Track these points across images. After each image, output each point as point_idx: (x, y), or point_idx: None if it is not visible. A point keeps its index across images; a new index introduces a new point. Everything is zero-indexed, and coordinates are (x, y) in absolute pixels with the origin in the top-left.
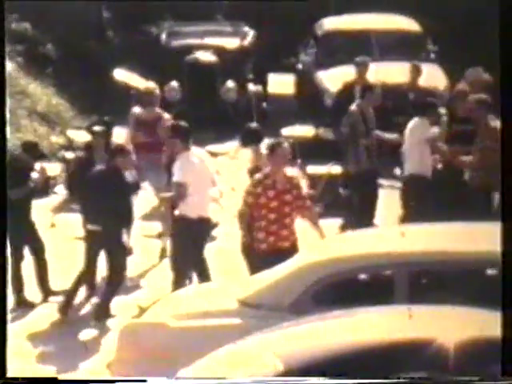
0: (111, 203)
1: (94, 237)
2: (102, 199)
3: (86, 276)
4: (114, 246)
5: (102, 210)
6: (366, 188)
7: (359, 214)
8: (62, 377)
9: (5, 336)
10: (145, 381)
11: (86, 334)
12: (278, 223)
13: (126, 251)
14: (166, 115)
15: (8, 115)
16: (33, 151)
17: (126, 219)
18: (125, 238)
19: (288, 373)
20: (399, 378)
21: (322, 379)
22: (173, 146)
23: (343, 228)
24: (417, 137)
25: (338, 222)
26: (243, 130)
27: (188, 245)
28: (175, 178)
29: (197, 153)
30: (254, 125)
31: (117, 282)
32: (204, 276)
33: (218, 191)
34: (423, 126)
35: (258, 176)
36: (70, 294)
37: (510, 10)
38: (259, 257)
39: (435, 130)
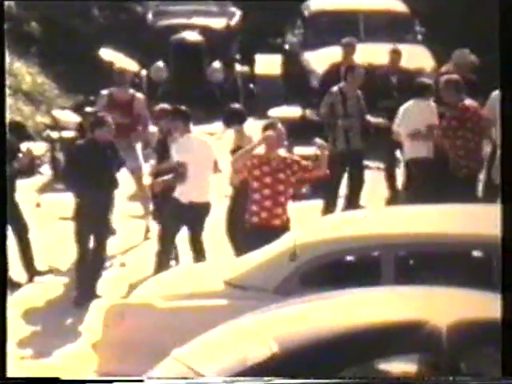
0: (94, 177)
1: (83, 218)
2: (85, 173)
3: (83, 257)
4: (100, 222)
5: (87, 184)
6: (344, 169)
7: (338, 195)
8: (44, 360)
9: (5, 336)
10: (142, 380)
11: (72, 315)
12: (271, 200)
13: (110, 230)
14: (140, 95)
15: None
16: (18, 131)
17: (110, 193)
18: (110, 217)
19: (283, 354)
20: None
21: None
22: (175, 129)
23: (327, 210)
24: (415, 120)
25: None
26: (226, 110)
27: (176, 228)
28: (175, 158)
29: (198, 136)
30: (236, 105)
31: (101, 260)
32: (200, 257)
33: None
34: (422, 109)
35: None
36: (80, 284)
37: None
38: (250, 232)
39: (433, 114)
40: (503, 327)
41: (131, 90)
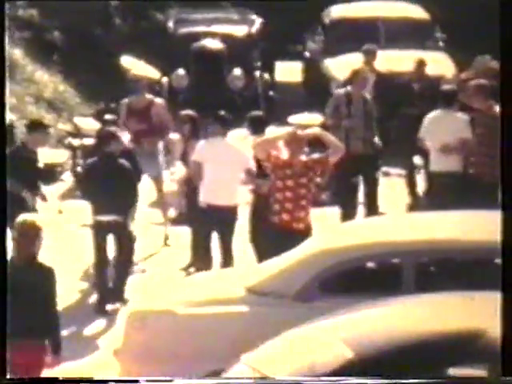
0: (113, 189)
1: (102, 226)
2: (103, 187)
3: (101, 264)
4: (122, 232)
5: (106, 198)
6: (352, 172)
7: (356, 201)
8: (67, 367)
9: (4, 336)
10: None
11: (96, 322)
12: (293, 202)
13: (133, 236)
14: (159, 100)
15: (15, 102)
16: (39, 130)
17: (130, 204)
18: (131, 224)
19: (358, 360)
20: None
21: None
22: (213, 133)
23: (345, 216)
24: (444, 133)
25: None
26: (248, 117)
27: (206, 231)
28: (193, 157)
29: (231, 142)
30: (258, 112)
31: (127, 267)
32: (227, 263)
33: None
34: (451, 120)
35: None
36: (100, 292)
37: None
38: (273, 235)
39: (465, 126)
40: (503, 326)
41: (149, 96)
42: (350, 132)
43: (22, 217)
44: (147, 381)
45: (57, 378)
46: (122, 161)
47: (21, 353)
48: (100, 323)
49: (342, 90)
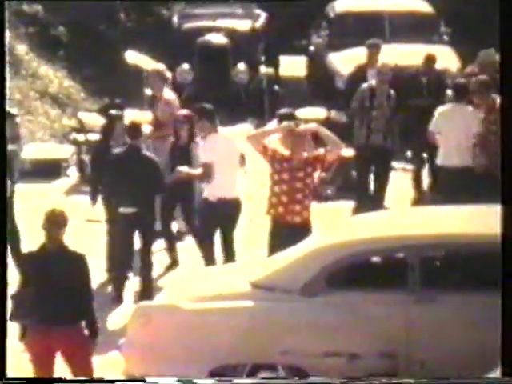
0: (137, 181)
1: (128, 220)
2: (128, 179)
3: (124, 260)
4: (148, 226)
5: (130, 190)
6: (367, 165)
7: (369, 195)
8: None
9: (5, 336)
10: (143, 380)
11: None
12: (288, 196)
13: (156, 231)
14: (167, 96)
15: (19, 97)
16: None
17: (154, 197)
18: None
19: None
20: None
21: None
22: (201, 128)
23: (356, 210)
24: (458, 126)
25: (350, 204)
26: (279, 114)
27: (208, 226)
28: (203, 159)
29: (224, 133)
30: (287, 110)
31: (150, 260)
32: (230, 258)
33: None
34: (462, 115)
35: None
36: (120, 283)
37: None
38: (272, 228)
39: (475, 120)
40: (503, 326)
41: (164, 92)
42: (372, 125)
43: (51, 206)
44: (120, 380)
45: (56, 378)
46: (147, 154)
47: (61, 338)
48: (106, 318)
49: (365, 84)
